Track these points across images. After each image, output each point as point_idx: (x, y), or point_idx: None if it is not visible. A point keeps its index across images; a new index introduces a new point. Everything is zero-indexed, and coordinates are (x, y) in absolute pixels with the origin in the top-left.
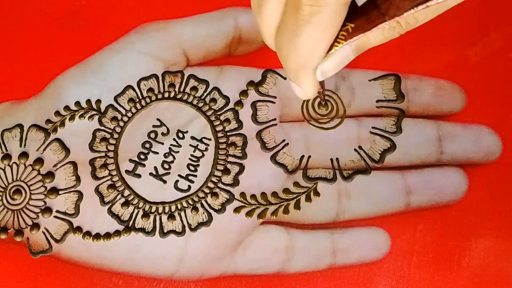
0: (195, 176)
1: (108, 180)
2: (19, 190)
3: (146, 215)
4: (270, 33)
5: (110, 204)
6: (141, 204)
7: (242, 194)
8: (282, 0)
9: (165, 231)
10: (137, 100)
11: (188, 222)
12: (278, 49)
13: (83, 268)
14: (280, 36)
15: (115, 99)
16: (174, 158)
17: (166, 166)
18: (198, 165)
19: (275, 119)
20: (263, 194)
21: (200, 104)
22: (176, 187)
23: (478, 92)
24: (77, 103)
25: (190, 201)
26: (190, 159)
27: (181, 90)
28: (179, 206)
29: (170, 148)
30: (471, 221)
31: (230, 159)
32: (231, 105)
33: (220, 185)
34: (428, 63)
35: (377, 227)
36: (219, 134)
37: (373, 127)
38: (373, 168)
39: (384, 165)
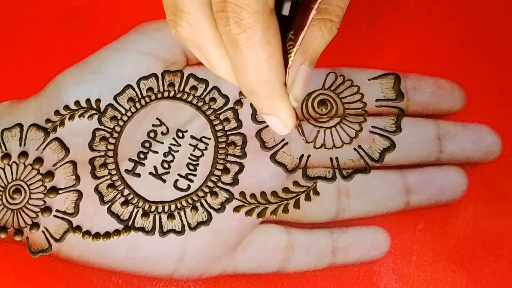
0: (195, 175)
1: (107, 179)
2: (19, 189)
3: (145, 214)
4: (232, 78)
5: (109, 203)
6: (140, 203)
7: (242, 193)
8: (220, 45)
9: (165, 230)
10: (137, 99)
11: (187, 221)
12: (243, 88)
13: (83, 267)
14: (238, 74)
15: (115, 98)
16: (173, 157)
17: (165, 165)
18: (198, 164)
19: None
20: (263, 193)
21: (200, 104)
22: (175, 186)
23: (478, 91)
24: (77, 103)
25: (189, 200)
26: (189, 158)
27: (181, 89)
28: (178, 206)
29: (169, 148)
30: (470, 220)
31: (230, 158)
32: (230, 105)
33: (219, 184)
34: (427, 62)
35: (377, 226)
36: (219, 134)
37: (372, 126)
38: (373, 167)
39: (384, 164)
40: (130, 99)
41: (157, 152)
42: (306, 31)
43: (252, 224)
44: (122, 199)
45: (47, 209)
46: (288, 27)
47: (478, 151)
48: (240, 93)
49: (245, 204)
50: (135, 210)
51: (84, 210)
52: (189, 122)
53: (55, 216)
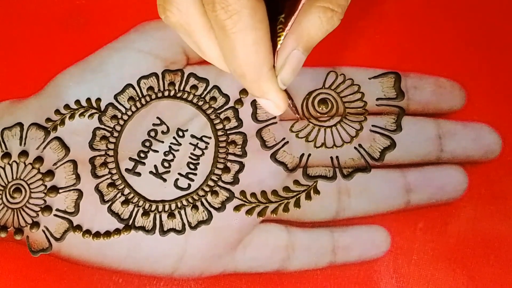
0: (195, 174)
1: (108, 178)
2: (19, 188)
3: (146, 213)
4: (221, 62)
5: (110, 203)
6: (141, 203)
7: (242, 193)
8: (209, 30)
9: (165, 229)
10: (137, 98)
11: (188, 221)
12: (233, 71)
13: (83, 267)
14: (226, 58)
15: (115, 97)
16: (174, 156)
17: (166, 164)
18: (198, 163)
19: (275, 117)
20: (263, 193)
21: (200, 103)
22: (176, 185)
23: (478, 90)
24: (77, 102)
25: (190, 200)
26: (190, 157)
27: (181, 88)
28: (179, 205)
29: (170, 147)
30: (471, 219)
31: (230, 157)
32: (231, 104)
33: (220, 183)
34: (428, 61)
35: (377, 225)
36: (219, 133)
37: (373, 125)
38: (373, 166)
39: (384, 163)
40: (131, 98)
41: (157, 151)
42: (296, 16)
43: (253, 223)
44: (123, 198)
45: (47, 208)
46: (280, 9)
47: (479, 150)
48: (241, 92)
49: (246, 203)
50: (136, 209)
51: (85, 209)
52: (189, 121)
53: (55, 215)
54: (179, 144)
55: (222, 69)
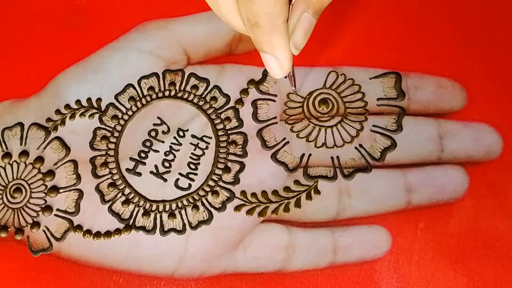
0: (196, 174)
1: (108, 178)
2: (20, 188)
3: (146, 213)
4: (233, 13)
5: (110, 203)
6: (141, 203)
7: (243, 193)
8: None
9: (166, 229)
10: (138, 98)
11: (188, 221)
12: (247, 20)
13: (84, 267)
14: (243, 4)
15: (116, 97)
16: (174, 156)
17: (166, 164)
18: (199, 163)
19: (275, 118)
20: (264, 193)
21: (201, 103)
22: (176, 185)
23: (479, 90)
24: (78, 102)
25: (190, 200)
26: (190, 157)
27: (182, 88)
28: (179, 205)
29: (170, 147)
30: (471, 219)
31: (231, 157)
32: (231, 104)
33: (220, 183)
34: (428, 61)
35: (378, 225)
36: (220, 133)
37: (373, 125)
38: (374, 166)
39: (385, 163)
40: (131, 98)
41: (158, 151)
42: None
43: (253, 223)
44: (123, 198)
45: (47, 208)
46: None
47: (479, 150)
48: (241, 92)
49: (246, 203)
50: (136, 209)
51: (85, 209)
52: (190, 121)
53: (56, 215)
54: (180, 144)
55: (228, 21)
